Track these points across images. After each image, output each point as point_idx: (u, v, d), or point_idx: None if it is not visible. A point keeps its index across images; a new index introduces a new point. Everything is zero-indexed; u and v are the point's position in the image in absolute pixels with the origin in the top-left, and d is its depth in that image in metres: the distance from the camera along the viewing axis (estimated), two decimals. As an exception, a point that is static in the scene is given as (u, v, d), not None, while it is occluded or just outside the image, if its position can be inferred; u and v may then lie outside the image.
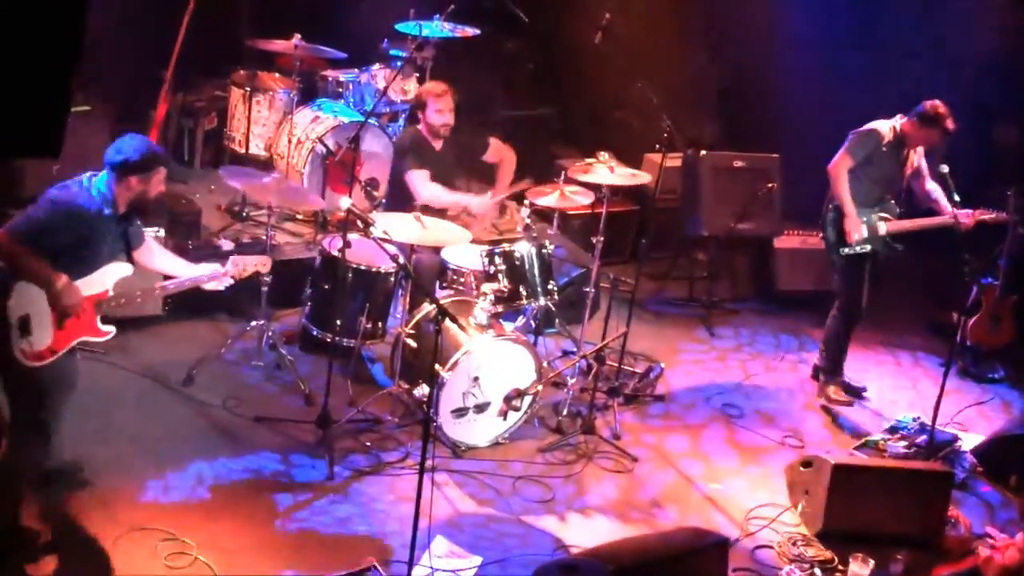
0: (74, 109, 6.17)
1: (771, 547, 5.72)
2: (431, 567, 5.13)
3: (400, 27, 8.11)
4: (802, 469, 6.01)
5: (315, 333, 6.50)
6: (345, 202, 5.41)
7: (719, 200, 8.26)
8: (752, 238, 8.43)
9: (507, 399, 6.12)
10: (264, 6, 8.45)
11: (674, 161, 8.31)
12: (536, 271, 6.34)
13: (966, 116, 7.00)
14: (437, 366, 5.75)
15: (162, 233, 6.77)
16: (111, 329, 5.02)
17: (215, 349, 6.54)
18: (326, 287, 6.44)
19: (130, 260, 5.11)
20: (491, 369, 6.09)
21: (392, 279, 6.47)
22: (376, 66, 8.24)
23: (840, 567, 5.59)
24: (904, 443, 6.63)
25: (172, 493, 5.46)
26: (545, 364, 6.46)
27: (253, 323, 6.59)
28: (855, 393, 7.26)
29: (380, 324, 6.52)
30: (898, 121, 6.76)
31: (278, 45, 7.87)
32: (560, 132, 9.63)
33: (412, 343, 6.21)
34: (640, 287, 6.94)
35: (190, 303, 6.91)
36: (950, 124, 6.61)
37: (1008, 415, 7.34)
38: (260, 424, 6.09)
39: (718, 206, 8.25)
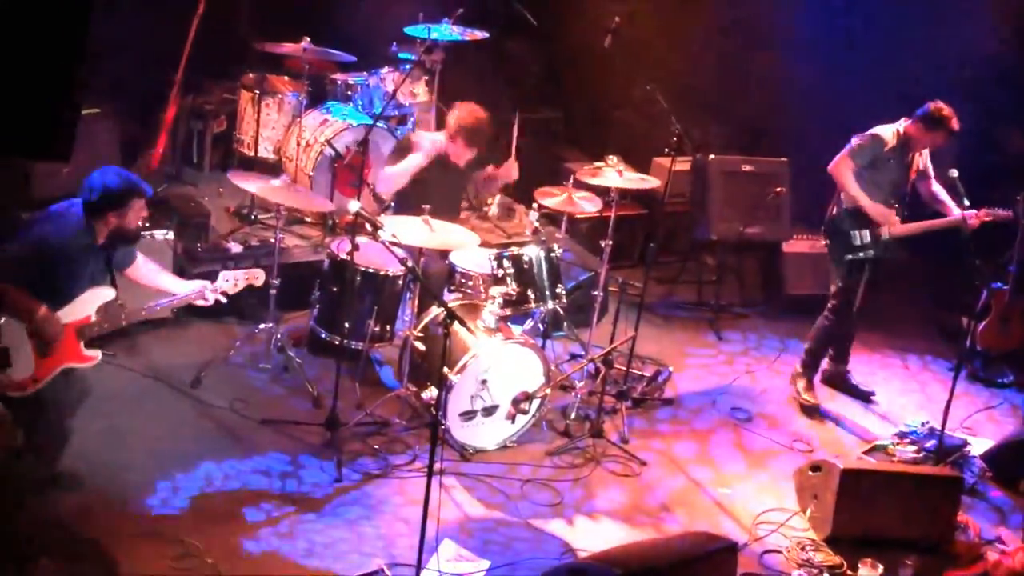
0: (84, 111, 6.18)
1: (780, 552, 5.71)
2: (439, 570, 5.13)
3: (409, 30, 8.11)
4: (811, 473, 6.00)
5: (323, 336, 6.50)
6: (354, 205, 5.42)
7: (728, 204, 8.26)
8: (760, 242, 8.42)
9: (515, 402, 6.11)
10: (273, 9, 8.47)
11: (683, 165, 8.30)
12: (544, 274, 6.33)
13: (972, 118, 6.99)
14: (445, 369, 5.75)
15: (171, 236, 6.78)
16: (96, 354, 5.02)
17: (223, 351, 6.55)
18: (334, 290, 6.45)
19: (114, 284, 5.11)
20: (499, 372, 6.09)
21: (400, 282, 6.47)
22: (385, 69, 8.25)
23: (849, 572, 5.57)
24: (913, 448, 6.61)
25: (179, 494, 5.46)
26: (553, 367, 6.45)
27: (261, 326, 6.60)
28: (863, 397, 7.25)
29: (388, 327, 6.52)
30: (901, 125, 6.74)
31: (287, 48, 7.88)
32: (567, 135, 9.63)
33: (420, 346, 6.21)
34: (648, 291, 6.94)
35: (198, 306, 6.93)
36: (955, 125, 6.59)
37: (1017, 420, 7.32)
38: (268, 426, 6.09)
39: (727, 210, 8.25)
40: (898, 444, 6.67)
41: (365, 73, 8.24)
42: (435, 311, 6.25)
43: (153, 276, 5.42)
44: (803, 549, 5.72)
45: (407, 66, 8.13)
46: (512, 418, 6.15)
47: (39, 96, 3.20)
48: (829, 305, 7.03)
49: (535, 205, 6.83)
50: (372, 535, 5.41)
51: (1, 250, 4.79)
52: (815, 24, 8.74)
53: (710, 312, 8.19)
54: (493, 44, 8.60)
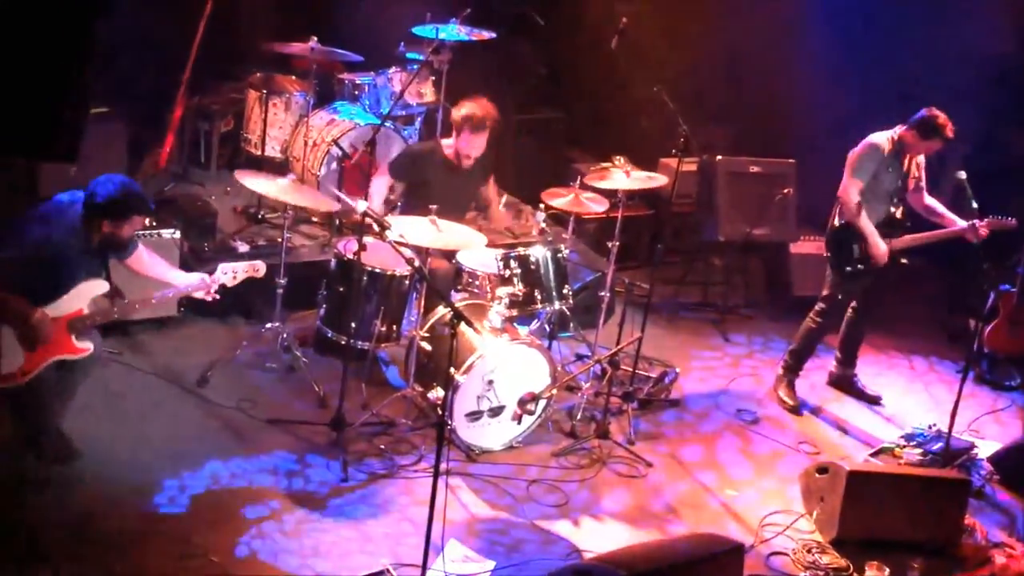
0: (91, 111, 6.20)
1: (786, 554, 5.70)
2: (444, 571, 5.13)
3: (416, 30, 8.11)
4: (817, 475, 5.98)
5: (329, 335, 6.49)
6: (361, 205, 5.42)
7: (735, 205, 8.24)
8: (767, 243, 8.41)
9: (521, 403, 6.11)
10: (281, 9, 8.47)
11: (690, 166, 8.29)
12: (551, 275, 6.32)
13: (978, 120, 6.97)
14: (452, 369, 5.74)
15: (177, 235, 6.79)
16: (88, 346, 5.04)
17: (229, 350, 6.56)
18: (341, 289, 6.44)
19: (108, 278, 5.12)
20: (505, 373, 6.08)
21: (407, 282, 6.47)
22: (392, 69, 8.24)
23: (855, 574, 5.56)
24: (920, 450, 6.59)
25: (185, 493, 5.46)
26: (559, 368, 6.45)
27: (268, 325, 6.60)
28: (870, 401, 7.23)
29: (395, 327, 6.51)
30: (896, 131, 6.72)
31: (295, 48, 7.87)
32: (573, 136, 9.63)
33: (427, 346, 6.21)
34: (655, 292, 6.93)
35: (204, 304, 6.93)
36: (950, 132, 6.58)
37: (1024, 423, 7.31)
38: (274, 426, 6.10)
39: (734, 211, 8.24)
40: (905, 446, 6.65)
41: (372, 73, 8.24)
42: (441, 311, 6.25)
43: (153, 266, 5.42)
44: (809, 551, 5.71)
45: (414, 66, 8.13)
46: (518, 419, 6.14)
47: (47, 98, 3.20)
48: (817, 308, 7.03)
49: (542, 206, 6.83)
50: (378, 535, 5.41)
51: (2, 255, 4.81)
52: (824, 24, 8.73)
53: (716, 313, 8.18)
54: (500, 44, 8.59)
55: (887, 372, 7.77)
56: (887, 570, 5.42)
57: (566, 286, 6.42)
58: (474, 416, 6.08)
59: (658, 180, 6.99)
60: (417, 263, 5.48)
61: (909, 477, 6.03)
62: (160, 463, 5.63)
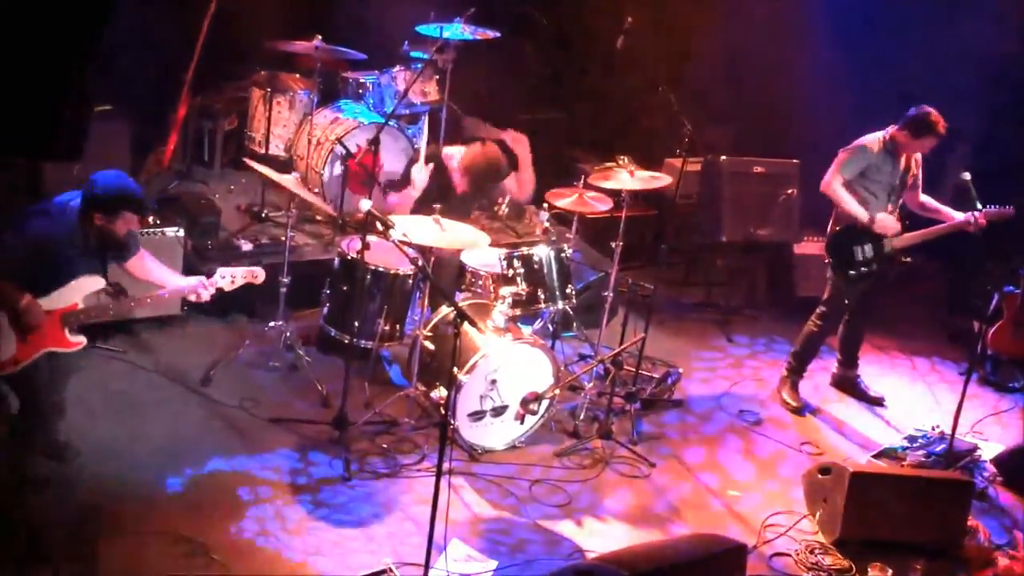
0: (95, 109, 6.20)
1: (788, 555, 5.69)
2: (447, 570, 5.13)
3: (420, 29, 8.11)
4: (820, 476, 5.98)
5: (333, 334, 6.50)
6: (365, 204, 5.42)
7: (738, 205, 8.24)
8: (771, 244, 8.40)
9: (524, 403, 6.11)
10: (285, 7, 8.47)
11: (694, 166, 8.29)
12: (554, 275, 6.32)
13: (979, 120, 6.95)
14: (455, 369, 5.74)
15: (181, 233, 6.79)
16: (82, 340, 5.04)
17: (233, 349, 6.56)
18: (344, 288, 6.44)
19: (105, 276, 5.11)
20: (508, 372, 6.08)
21: (410, 281, 6.47)
22: (396, 68, 8.25)
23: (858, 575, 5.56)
24: (923, 451, 6.59)
25: (188, 492, 5.46)
26: (562, 368, 6.45)
27: (271, 324, 6.61)
28: (873, 402, 7.22)
29: (398, 326, 6.51)
30: (888, 131, 6.70)
31: (299, 46, 7.88)
32: (577, 136, 9.62)
33: (430, 345, 6.21)
34: (658, 292, 6.93)
35: (208, 303, 6.93)
36: (942, 129, 6.58)
37: (1028, 424, 7.30)
38: (277, 424, 6.10)
39: (737, 211, 8.23)
40: (908, 448, 6.65)
41: (376, 72, 8.24)
42: (445, 310, 6.25)
43: (153, 271, 5.38)
44: (812, 552, 5.70)
45: (418, 65, 8.13)
46: (521, 418, 6.14)
47: (50, 98, 3.21)
48: (818, 311, 7.03)
49: (545, 205, 6.83)
50: (380, 534, 5.41)
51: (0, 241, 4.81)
52: (829, 25, 8.72)
53: (719, 314, 8.18)
54: (504, 44, 8.59)
55: (889, 372, 7.77)
56: (889, 571, 5.42)
57: (569, 286, 6.41)
58: (477, 416, 6.08)
59: (662, 180, 6.98)
60: (421, 262, 5.48)
61: (912, 478, 6.03)
62: (163, 461, 5.64)
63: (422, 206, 6.60)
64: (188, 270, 6.74)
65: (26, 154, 3.53)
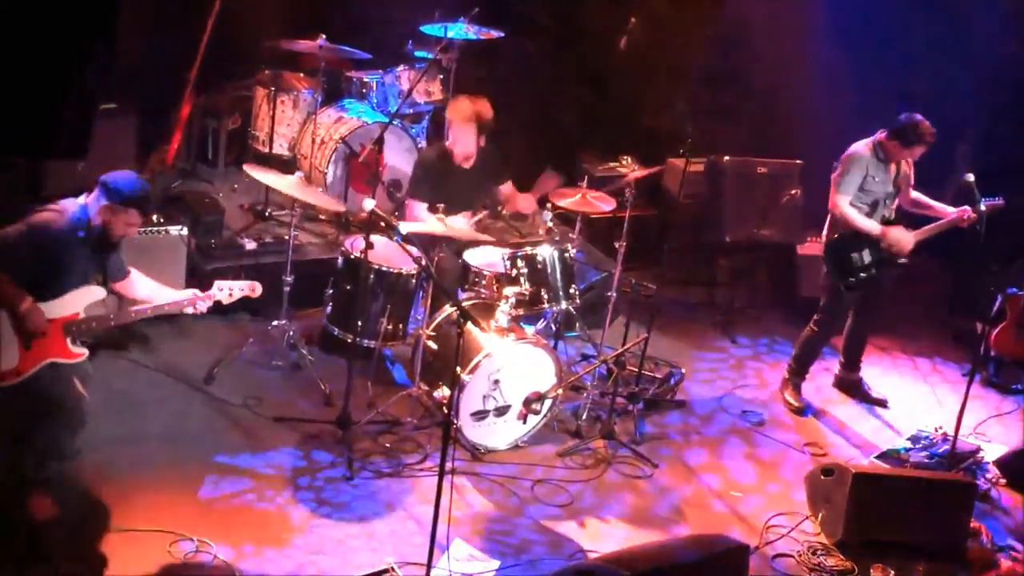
0: (100, 107, 6.19)
1: (791, 556, 5.70)
2: (449, 570, 5.13)
3: (425, 29, 8.11)
4: (823, 477, 5.98)
5: (336, 333, 6.50)
6: (369, 203, 5.43)
7: (742, 206, 8.23)
8: (774, 244, 8.40)
9: (527, 403, 6.11)
10: (289, 6, 8.47)
11: (697, 166, 8.28)
12: (558, 275, 6.32)
13: (979, 120, 6.93)
14: (458, 368, 5.74)
15: (185, 232, 6.79)
16: (83, 351, 4.97)
17: (236, 348, 6.56)
18: (348, 288, 6.45)
19: (105, 285, 5.08)
20: (511, 372, 6.08)
21: (413, 281, 6.47)
22: (400, 67, 8.25)
23: (860, 577, 5.57)
24: (926, 453, 6.59)
25: (191, 492, 5.47)
26: (565, 368, 6.45)
27: (274, 323, 6.61)
28: (876, 403, 7.21)
29: (401, 325, 6.51)
30: (876, 137, 6.69)
31: (303, 45, 7.88)
32: (582, 136, 9.62)
33: (433, 345, 6.21)
34: (661, 292, 6.92)
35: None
36: (931, 137, 6.56)
37: (1031, 426, 7.29)
38: (280, 423, 6.10)
39: (741, 212, 8.22)
40: (911, 449, 6.65)
41: (380, 71, 8.24)
42: (448, 310, 6.25)
43: (147, 290, 5.32)
44: (814, 553, 5.70)
45: (422, 64, 8.13)
46: (524, 418, 6.15)
47: (54, 96, 3.20)
48: (816, 317, 7.02)
49: (549, 205, 6.82)
50: (383, 533, 5.42)
51: (3, 234, 4.78)
52: (833, 26, 8.71)
53: (722, 314, 8.17)
54: (508, 44, 8.59)
55: (891, 373, 7.76)
56: (892, 573, 5.42)
57: (573, 286, 6.41)
58: (480, 415, 6.08)
59: (665, 172, 6.86)
60: (424, 262, 5.48)
61: (915, 480, 6.03)
62: (165, 460, 5.65)
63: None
64: (192, 269, 6.76)
65: (29, 153, 3.52)
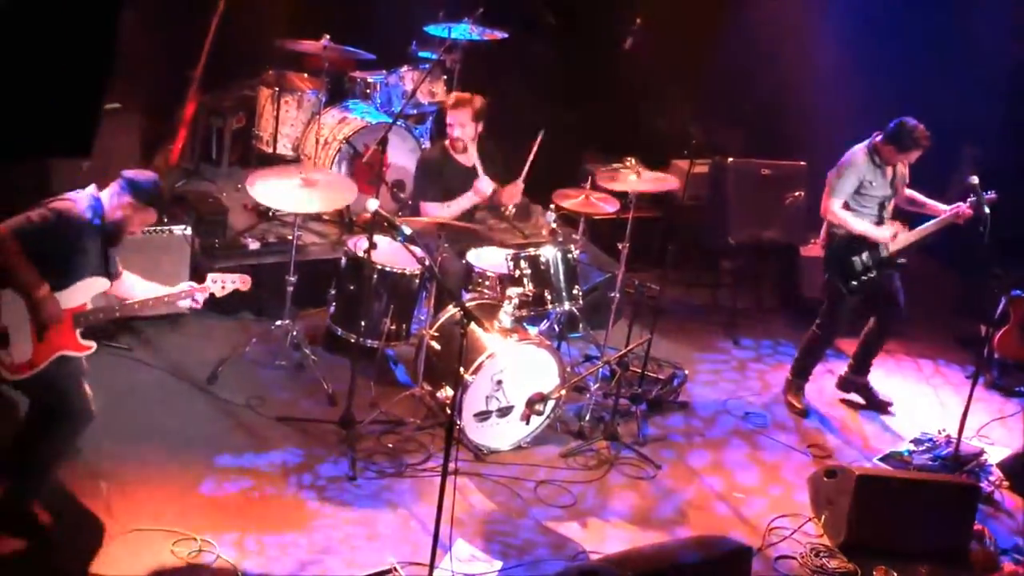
0: (105, 107, 6.20)
1: (793, 558, 5.69)
2: (452, 570, 5.13)
3: (429, 29, 8.11)
4: (826, 479, 5.97)
5: (339, 333, 6.51)
6: (372, 204, 5.42)
7: (745, 208, 8.23)
8: (778, 246, 8.40)
9: (530, 403, 6.11)
10: (294, 6, 8.48)
11: (701, 168, 8.28)
12: (561, 276, 6.32)
13: (989, 121, 6.92)
14: (461, 369, 5.74)
15: (188, 232, 6.80)
16: (92, 344, 4.96)
17: (239, 347, 6.56)
18: (351, 288, 6.45)
19: (108, 276, 5.05)
20: (514, 373, 6.08)
21: (417, 281, 6.48)
22: (404, 68, 8.25)
23: (862, 579, 5.57)
24: (929, 455, 6.58)
25: (194, 491, 5.47)
26: (568, 369, 6.44)
27: (277, 322, 6.61)
28: (881, 407, 7.18)
29: (404, 325, 6.52)
30: (871, 142, 6.66)
31: (307, 46, 7.88)
32: (587, 137, 9.62)
33: (436, 345, 6.22)
34: (665, 293, 6.92)
35: (214, 301, 6.93)
36: (926, 141, 6.54)
37: (1034, 429, 7.28)
38: (283, 423, 6.10)
39: (744, 214, 8.22)
40: (914, 451, 6.65)
41: (384, 72, 8.25)
42: (451, 310, 6.25)
43: (140, 288, 5.25)
44: (817, 555, 5.70)
45: (426, 65, 8.13)
46: (527, 419, 6.15)
47: (64, 94, 3.20)
48: (818, 321, 7.02)
49: (552, 206, 6.83)
50: (385, 533, 5.42)
51: (24, 216, 4.76)
52: (837, 27, 8.71)
53: (726, 316, 8.17)
54: (512, 44, 8.59)
55: (895, 375, 7.75)
56: (894, 575, 5.41)
57: (576, 287, 6.41)
58: (482, 416, 6.08)
59: (668, 182, 6.96)
60: (428, 262, 5.48)
61: (918, 482, 6.03)
62: (168, 459, 5.65)
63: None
64: (195, 268, 6.76)
65: (34, 151, 3.52)
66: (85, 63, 3.23)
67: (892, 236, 6.69)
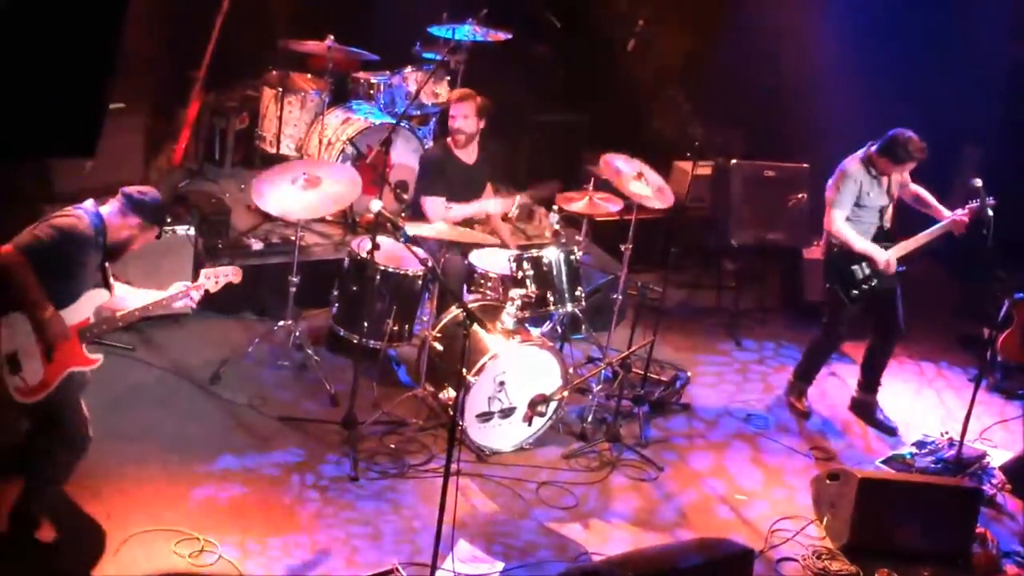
0: (109, 107, 6.20)
1: (795, 560, 5.69)
2: (453, 571, 5.13)
3: (432, 30, 8.12)
4: (828, 482, 5.97)
5: (342, 334, 6.51)
6: (376, 204, 5.43)
7: (749, 209, 8.23)
8: (781, 248, 8.39)
9: (532, 404, 6.11)
10: (297, 7, 8.49)
11: (704, 169, 8.28)
12: (564, 277, 6.32)
13: (995, 123, 6.90)
14: (463, 370, 5.74)
15: (191, 232, 6.80)
16: (99, 357, 4.95)
17: (242, 348, 6.57)
18: (354, 288, 6.46)
19: (107, 286, 5.04)
20: (517, 374, 6.08)
21: (419, 282, 6.48)
22: (408, 69, 8.25)
23: (865, 582, 5.56)
24: (932, 458, 6.58)
25: (196, 491, 5.48)
26: (571, 370, 6.44)
27: (280, 323, 6.62)
28: (887, 431, 7.05)
29: (406, 326, 6.52)
30: (865, 152, 6.64)
31: (311, 46, 7.89)
32: (590, 138, 9.62)
33: (438, 346, 6.22)
34: (668, 295, 6.92)
35: (217, 302, 6.94)
36: (921, 154, 6.52)
37: (1038, 432, 7.27)
38: (285, 424, 6.11)
39: (747, 215, 8.23)
40: (917, 454, 6.64)
41: (388, 72, 8.25)
42: (454, 312, 6.26)
43: (132, 298, 5.19)
44: (819, 558, 5.70)
45: (430, 66, 8.13)
46: (529, 420, 6.14)
47: (68, 93, 3.21)
48: (822, 331, 7.01)
49: (555, 207, 6.83)
50: (387, 534, 5.42)
51: (31, 234, 4.75)
52: (841, 29, 8.71)
53: (729, 318, 8.16)
54: (517, 45, 8.59)
55: (897, 378, 7.74)
56: (897, 578, 5.42)
57: (579, 288, 6.41)
58: (485, 417, 6.08)
59: (666, 197, 6.80)
60: (431, 263, 5.48)
61: (920, 485, 6.02)
62: (171, 459, 5.65)
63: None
64: (198, 269, 6.75)
65: (38, 150, 3.52)
66: (89, 63, 3.23)
67: (889, 263, 6.65)
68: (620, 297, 6.88)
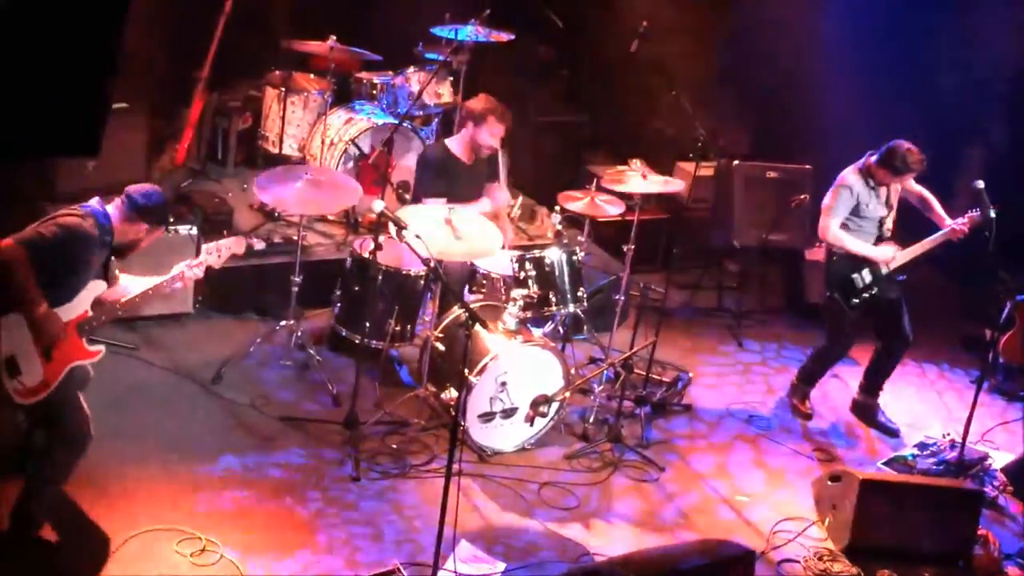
0: (112, 107, 6.21)
1: (797, 562, 5.69)
2: (455, 571, 5.13)
3: (435, 31, 8.12)
4: (830, 483, 5.97)
5: (344, 334, 6.52)
6: (378, 205, 5.43)
7: (751, 210, 8.24)
8: (783, 249, 8.39)
9: (534, 405, 6.11)
10: (300, 7, 8.49)
11: (706, 170, 8.28)
12: (566, 278, 6.32)
13: (998, 125, 6.89)
14: (465, 370, 5.74)
15: (194, 231, 6.81)
16: (100, 348, 4.95)
17: (244, 348, 6.57)
18: (356, 288, 6.46)
19: (106, 277, 5.03)
20: (519, 374, 6.08)
21: (422, 282, 6.48)
22: (410, 69, 8.25)
23: (866, 583, 5.56)
24: (933, 460, 6.57)
25: (198, 491, 5.48)
26: (573, 371, 6.45)
27: (282, 323, 6.62)
28: (888, 433, 7.07)
29: (408, 326, 6.52)
30: (863, 162, 6.63)
31: (313, 46, 7.90)
32: (592, 139, 9.63)
33: (440, 346, 6.22)
34: (670, 296, 6.92)
35: (220, 301, 6.97)
36: (920, 165, 6.50)
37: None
38: (287, 424, 6.11)
39: (750, 216, 8.23)
40: (919, 455, 6.64)
41: (390, 73, 8.25)
42: (456, 312, 6.26)
43: (129, 287, 5.19)
44: (820, 559, 5.70)
45: (433, 66, 8.13)
46: (531, 421, 6.15)
47: (71, 92, 3.20)
48: (826, 340, 7.00)
49: (557, 208, 6.83)
50: (388, 534, 5.42)
51: (35, 230, 4.75)
52: (843, 30, 8.70)
53: (731, 319, 8.17)
54: (519, 46, 8.60)
55: (899, 379, 7.72)
56: (898, 579, 5.41)
57: (581, 289, 6.41)
58: (486, 417, 6.08)
59: (673, 184, 6.96)
60: (433, 263, 5.48)
61: (922, 486, 6.01)
62: (173, 459, 5.65)
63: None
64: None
65: (41, 150, 3.51)
66: (91, 62, 3.23)
67: (891, 258, 6.66)
68: (622, 298, 6.89)
